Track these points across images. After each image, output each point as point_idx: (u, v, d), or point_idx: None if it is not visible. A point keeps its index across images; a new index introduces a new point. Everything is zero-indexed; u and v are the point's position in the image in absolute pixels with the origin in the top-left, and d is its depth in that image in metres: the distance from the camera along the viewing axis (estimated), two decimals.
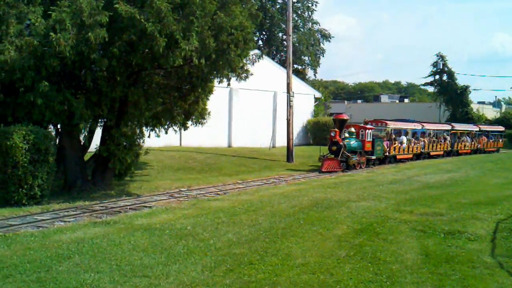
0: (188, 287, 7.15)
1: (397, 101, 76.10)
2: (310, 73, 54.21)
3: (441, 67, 56.83)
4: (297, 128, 36.20)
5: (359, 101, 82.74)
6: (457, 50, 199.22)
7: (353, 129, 25.75)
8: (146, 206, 13.94)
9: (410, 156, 30.74)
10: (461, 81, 59.87)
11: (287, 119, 27.50)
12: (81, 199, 14.59)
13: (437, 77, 57.52)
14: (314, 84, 49.67)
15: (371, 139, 26.13)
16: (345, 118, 25.68)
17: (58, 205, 13.69)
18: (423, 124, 33.89)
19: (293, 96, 27.30)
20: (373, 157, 26.46)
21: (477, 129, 41.07)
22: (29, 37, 13.13)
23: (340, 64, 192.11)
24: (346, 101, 76.49)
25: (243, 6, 16.05)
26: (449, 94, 55.70)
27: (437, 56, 57.48)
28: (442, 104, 56.55)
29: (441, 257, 8.83)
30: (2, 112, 13.98)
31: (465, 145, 38.34)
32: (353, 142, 25.16)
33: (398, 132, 30.77)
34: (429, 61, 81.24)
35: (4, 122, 13.69)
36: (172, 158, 25.26)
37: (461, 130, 39.07)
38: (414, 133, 32.98)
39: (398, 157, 29.39)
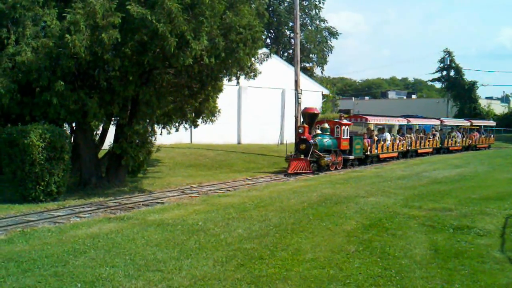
0: (200, 281, 7.23)
1: (405, 97, 75.95)
2: (317, 70, 54.29)
3: (449, 63, 56.79)
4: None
5: (366, 97, 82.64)
6: (465, 45, 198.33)
7: (326, 125, 23.11)
8: (158, 202, 14.07)
9: (395, 154, 28.20)
10: (468, 76, 60.26)
11: (295, 116, 27.45)
12: (95, 196, 14.78)
13: (444, 73, 57.56)
14: (322, 81, 49.69)
15: (348, 137, 23.40)
16: (315, 112, 22.92)
17: (73, 201, 13.88)
18: (409, 119, 31.29)
19: (301, 93, 27.23)
20: (351, 157, 23.59)
21: (469, 124, 38.92)
22: (44, 38, 13.32)
23: (348, 61, 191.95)
24: (353, 98, 76.47)
25: (251, 5, 16.19)
26: (457, 89, 55.67)
27: (444, 52, 57.52)
28: (449, 100, 56.46)
29: (450, 252, 8.81)
30: (19, 112, 14.27)
31: (455, 142, 36.13)
32: (327, 140, 22.35)
33: (382, 129, 28.44)
34: (436, 57, 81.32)
35: (21, 121, 14.02)
36: (183, 155, 25.49)
37: (451, 125, 37.35)
38: (400, 129, 30.68)
39: (381, 156, 26.75)
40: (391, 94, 79.98)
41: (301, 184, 17.69)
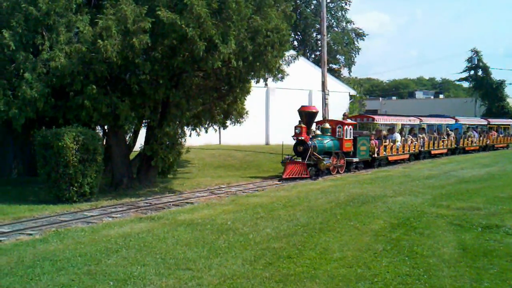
0: (229, 279, 7.29)
1: (432, 97, 75.04)
2: (345, 71, 54.09)
3: (476, 62, 55.98)
4: None
5: (393, 97, 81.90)
6: (492, 44, 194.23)
7: (327, 125, 21.36)
8: (188, 202, 14.24)
9: (406, 156, 26.21)
10: (496, 75, 59.10)
11: (322, 117, 27.55)
12: (127, 196, 15.02)
13: (472, 72, 56.75)
14: (349, 82, 49.48)
15: (351, 137, 21.48)
16: (313, 110, 20.68)
17: (106, 202, 14.14)
18: (421, 118, 29.13)
19: (328, 94, 27.27)
20: (356, 159, 21.75)
21: (486, 123, 37.18)
22: (77, 44, 13.65)
23: (375, 61, 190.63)
24: (380, 98, 75.92)
25: (278, 8, 16.31)
26: (485, 89, 54.95)
27: (472, 51, 56.82)
28: (477, 99, 55.76)
29: (479, 251, 8.76)
30: (53, 115, 14.56)
31: (472, 141, 34.11)
32: (327, 141, 20.52)
33: (391, 129, 26.48)
34: (463, 56, 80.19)
35: (55, 124, 14.26)
36: (212, 156, 25.74)
37: (467, 124, 35.39)
38: (412, 129, 28.79)
39: (390, 158, 24.52)
40: (418, 94, 79.06)
41: (329, 184, 17.67)
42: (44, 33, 14.00)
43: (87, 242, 9.39)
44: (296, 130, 19.68)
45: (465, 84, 64.75)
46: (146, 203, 14.20)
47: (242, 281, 7.26)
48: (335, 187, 16.64)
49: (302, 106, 20.81)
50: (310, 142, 19.64)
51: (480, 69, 56.43)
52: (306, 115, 20.29)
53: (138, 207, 13.58)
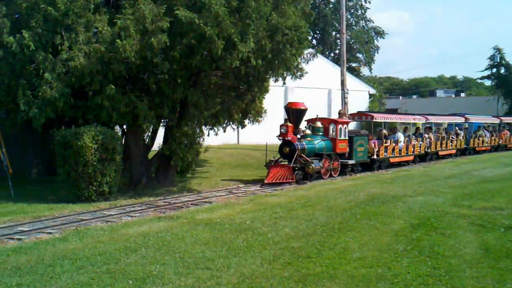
0: (248, 279, 7.28)
1: (453, 96, 74.23)
2: (365, 70, 53.91)
3: (498, 60, 55.32)
4: (351, 124, 35.92)
5: (414, 96, 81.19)
6: None
7: (319, 124, 19.29)
8: (206, 202, 14.24)
9: (411, 158, 24.29)
10: None
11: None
12: (146, 195, 15.08)
13: (494, 70, 56.07)
14: (369, 81, 49.24)
15: (346, 137, 19.59)
16: (302, 108, 18.44)
17: (125, 201, 14.20)
18: (427, 116, 27.01)
19: (347, 93, 27.01)
20: (352, 162, 19.92)
21: (498, 122, 35.38)
22: (96, 44, 13.72)
23: (394, 59, 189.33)
24: (401, 97, 75.31)
25: (297, 6, 16.23)
26: (507, 87, 54.22)
27: (494, 49, 56.13)
28: (500, 98, 55.03)
29: (502, 252, 8.63)
30: (73, 115, 14.67)
31: (483, 141, 32.30)
32: (318, 142, 18.62)
33: (393, 128, 24.55)
34: (485, 54, 79.10)
35: (75, 124, 14.39)
36: (230, 156, 25.77)
37: (478, 123, 33.20)
38: (417, 128, 26.69)
39: (392, 160, 22.69)
40: (439, 93, 78.22)
41: (348, 183, 17.57)
42: (63, 33, 14.08)
43: (107, 241, 9.44)
44: (282, 130, 17.73)
45: (487, 82, 64.19)
46: (165, 202, 14.24)
47: (261, 281, 7.23)
48: (354, 186, 16.54)
49: (289, 103, 19.21)
50: (298, 143, 17.81)
51: (503, 67, 55.80)
52: (294, 112, 18.29)
53: (157, 206, 13.62)
